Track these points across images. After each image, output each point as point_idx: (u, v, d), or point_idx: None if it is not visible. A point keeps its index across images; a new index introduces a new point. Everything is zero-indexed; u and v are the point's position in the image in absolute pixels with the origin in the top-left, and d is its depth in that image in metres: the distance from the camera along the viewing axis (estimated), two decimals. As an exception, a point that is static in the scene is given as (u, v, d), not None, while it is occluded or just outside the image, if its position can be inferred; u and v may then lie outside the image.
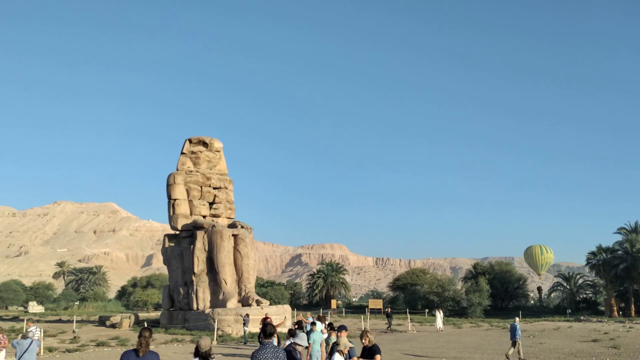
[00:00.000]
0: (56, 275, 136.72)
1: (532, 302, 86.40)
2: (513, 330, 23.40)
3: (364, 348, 10.75)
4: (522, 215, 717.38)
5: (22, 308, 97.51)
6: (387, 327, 42.19)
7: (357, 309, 76.10)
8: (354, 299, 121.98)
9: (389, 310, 45.91)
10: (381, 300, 73.67)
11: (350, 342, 11.41)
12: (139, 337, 8.16)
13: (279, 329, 25.32)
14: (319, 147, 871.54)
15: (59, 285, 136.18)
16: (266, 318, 24.83)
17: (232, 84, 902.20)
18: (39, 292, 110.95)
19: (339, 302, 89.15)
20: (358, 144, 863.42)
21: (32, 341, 16.92)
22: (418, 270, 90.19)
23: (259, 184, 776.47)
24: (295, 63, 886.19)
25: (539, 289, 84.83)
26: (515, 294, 76.23)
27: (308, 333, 24.84)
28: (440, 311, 43.89)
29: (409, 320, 47.62)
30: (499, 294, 72.83)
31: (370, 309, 65.36)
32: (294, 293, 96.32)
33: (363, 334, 10.98)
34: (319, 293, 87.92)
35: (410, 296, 73.82)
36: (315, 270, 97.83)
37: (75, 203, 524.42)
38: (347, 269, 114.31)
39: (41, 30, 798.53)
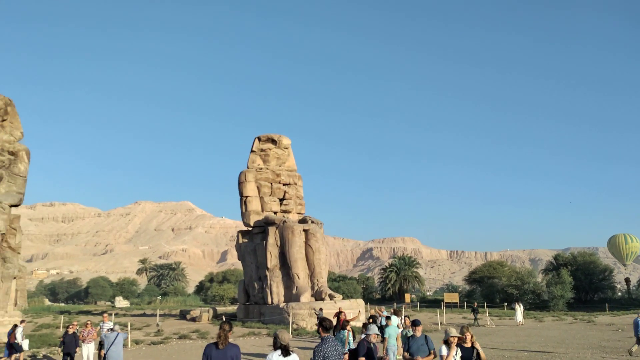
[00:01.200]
0: (139, 272, 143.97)
1: (619, 294, 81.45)
2: (637, 326, 21.49)
3: (466, 349, 10.21)
4: (605, 203, 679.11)
5: (109, 303, 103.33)
6: (474, 322, 41.15)
7: (432, 303, 74.75)
8: (428, 293, 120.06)
9: (476, 304, 44.58)
10: (457, 294, 71.91)
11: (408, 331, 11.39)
12: (220, 330, 8.39)
13: (353, 323, 25.17)
14: (389, 141, 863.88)
15: (142, 281, 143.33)
16: (340, 312, 24.73)
17: (297, 86, 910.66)
18: (125, 288, 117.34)
19: (413, 296, 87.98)
20: (431, 137, 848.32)
21: (118, 334, 17.77)
22: (495, 263, 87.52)
23: (328, 180, 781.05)
24: (360, 64, 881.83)
25: (627, 280, 79.79)
26: (600, 285, 72.09)
27: (383, 327, 24.59)
28: (520, 304, 42.23)
29: (487, 314, 46.18)
30: (583, 286, 69.19)
31: (446, 303, 64.02)
32: (367, 287, 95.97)
33: (463, 330, 10.44)
34: (391, 287, 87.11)
35: (488, 289, 71.64)
36: (387, 264, 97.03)
37: (154, 202, 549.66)
38: (420, 263, 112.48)
39: (136, 35, 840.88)
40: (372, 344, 10.73)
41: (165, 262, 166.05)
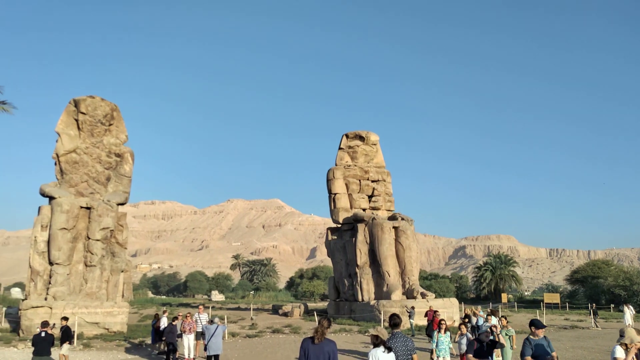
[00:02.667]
0: (233, 267, 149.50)
1: None
2: None
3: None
4: None
5: (206, 296, 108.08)
6: (593, 325, 38.69)
7: (531, 304, 71.21)
8: (526, 293, 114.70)
9: (594, 306, 41.83)
10: (558, 295, 68.04)
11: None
12: (318, 325, 8.50)
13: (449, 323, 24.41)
14: (487, 128, 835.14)
15: (236, 276, 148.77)
16: (435, 312, 24.08)
17: (388, 75, 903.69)
18: (220, 282, 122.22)
19: (510, 295, 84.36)
20: (529, 128, 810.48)
21: (218, 326, 18.39)
22: (600, 262, 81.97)
23: (418, 176, 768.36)
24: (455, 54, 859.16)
25: None
26: None
27: (479, 327, 23.64)
28: (630, 307, 39.05)
29: (591, 315, 43.19)
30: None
31: (546, 303, 60.78)
32: (460, 286, 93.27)
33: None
34: (486, 286, 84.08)
35: (592, 290, 67.16)
36: (481, 263, 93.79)
37: (246, 200, 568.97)
38: (517, 261, 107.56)
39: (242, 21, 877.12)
40: (484, 343, 10.31)
41: (256, 258, 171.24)
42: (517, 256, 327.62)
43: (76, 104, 34.26)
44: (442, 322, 16.77)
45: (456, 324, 31.61)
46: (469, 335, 15.21)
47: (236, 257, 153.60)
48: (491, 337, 10.65)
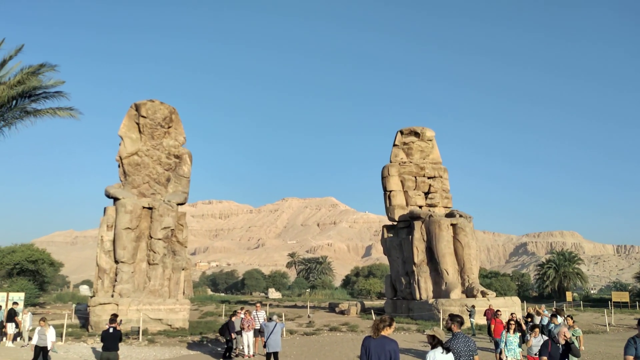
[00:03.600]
0: (289, 265, 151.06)
1: None
2: None
3: None
4: None
5: (263, 294, 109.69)
6: None
7: (598, 302, 68.11)
8: (592, 291, 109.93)
9: None
10: (627, 293, 64.78)
11: None
12: (380, 320, 8.41)
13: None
14: (545, 129, 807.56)
15: (292, 274, 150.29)
16: (497, 311, 23.37)
17: (439, 75, 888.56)
18: (276, 280, 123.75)
19: (575, 294, 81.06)
20: (592, 127, 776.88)
21: (276, 324, 18.52)
22: (673, 259, 77.41)
23: (475, 172, 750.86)
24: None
25: None
26: None
27: (543, 326, 22.73)
28: None
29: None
30: None
31: (614, 302, 57.97)
32: (522, 284, 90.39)
33: None
34: (550, 284, 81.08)
35: (664, 288, 63.62)
36: (544, 260, 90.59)
37: (300, 199, 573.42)
38: (582, 258, 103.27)
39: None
40: (559, 344, 9.86)
41: (312, 256, 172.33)
42: (582, 253, 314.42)
43: (137, 108, 35.48)
44: (511, 321, 16.24)
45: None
46: (543, 337, 14.59)
47: (292, 255, 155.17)
48: (568, 340, 10.08)
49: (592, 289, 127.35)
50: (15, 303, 26.70)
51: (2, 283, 49.96)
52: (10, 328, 24.98)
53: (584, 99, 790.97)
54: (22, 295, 30.60)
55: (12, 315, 25.19)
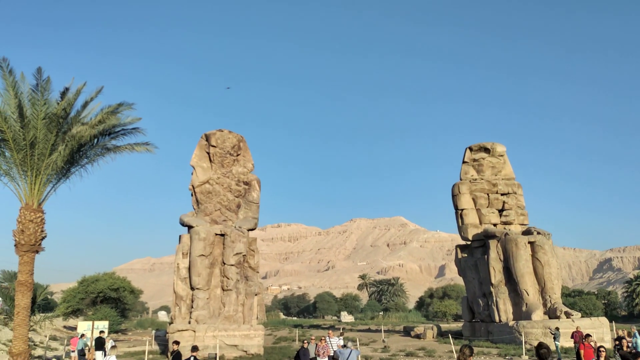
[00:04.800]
0: (360, 287, 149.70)
1: None
2: None
3: None
4: None
5: (335, 317, 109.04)
6: None
7: (696, 322, 62.60)
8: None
9: None
10: None
11: None
12: (459, 353, 8.50)
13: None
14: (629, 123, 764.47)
15: (364, 296, 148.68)
16: (587, 335, 21.84)
17: (505, 94, 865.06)
18: (348, 303, 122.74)
19: (669, 313, 75.04)
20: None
21: (351, 351, 18.17)
22: None
23: (551, 186, 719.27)
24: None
25: None
26: None
27: (638, 353, 21.00)
28: None
29: None
30: None
31: None
32: (608, 303, 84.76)
33: None
34: (640, 303, 75.66)
35: None
36: (632, 276, 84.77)
37: (368, 219, 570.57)
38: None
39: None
40: None
41: (383, 278, 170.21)
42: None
43: (207, 138, 36.73)
44: (602, 348, 15.13)
45: (608, 346, 28.54)
46: None
47: (363, 277, 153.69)
48: None
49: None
50: (101, 332, 27.90)
51: (87, 311, 52.52)
52: (100, 356, 26.02)
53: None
54: (106, 323, 31.97)
55: (101, 344, 26.28)
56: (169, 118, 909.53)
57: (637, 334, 27.36)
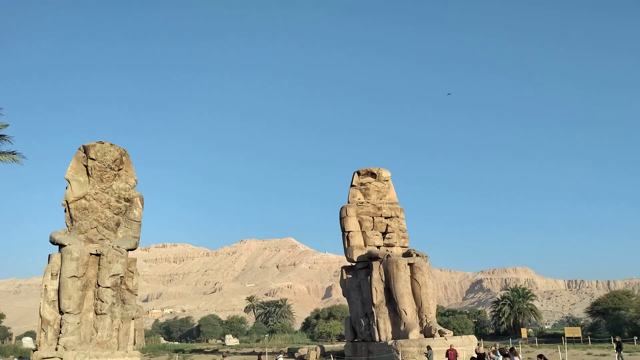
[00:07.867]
0: (247, 309, 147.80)
1: None
2: None
3: None
4: None
5: (220, 341, 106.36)
6: (618, 359, 37.29)
7: (552, 338, 69.07)
8: (546, 327, 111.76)
9: (619, 339, 40.42)
10: (579, 328, 66.04)
11: None
12: None
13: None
14: (496, 163, 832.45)
15: (250, 319, 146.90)
16: (457, 353, 23.13)
17: (395, 126, 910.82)
18: (234, 326, 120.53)
19: (530, 330, 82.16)
20: (534, 166, 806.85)
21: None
22: (620, 293, 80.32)
23: (430, 210, 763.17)
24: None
25: None
26: None
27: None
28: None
29: (615, 349, 41.56)
30: None
31: (567, 337, 58.86)
32: (478, 322, 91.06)
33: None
34: (505, 321, 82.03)
35: (614, 322, 65.29)
36: (499, 297, 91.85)
37: (259, 240, 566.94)
38: (536, 294, 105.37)
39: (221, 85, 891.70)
40: None
41: (271, 299, 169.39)
42: (535, 289, 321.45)
43: (85, 150, 34.45)
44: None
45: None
46: None
47: (250, 299, 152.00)
48: None
49: (546, 324, 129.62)
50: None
51: None
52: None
53: (519, 139, 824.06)
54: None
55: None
56: (40, 125, 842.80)
57: (497, 353, 29.46)
